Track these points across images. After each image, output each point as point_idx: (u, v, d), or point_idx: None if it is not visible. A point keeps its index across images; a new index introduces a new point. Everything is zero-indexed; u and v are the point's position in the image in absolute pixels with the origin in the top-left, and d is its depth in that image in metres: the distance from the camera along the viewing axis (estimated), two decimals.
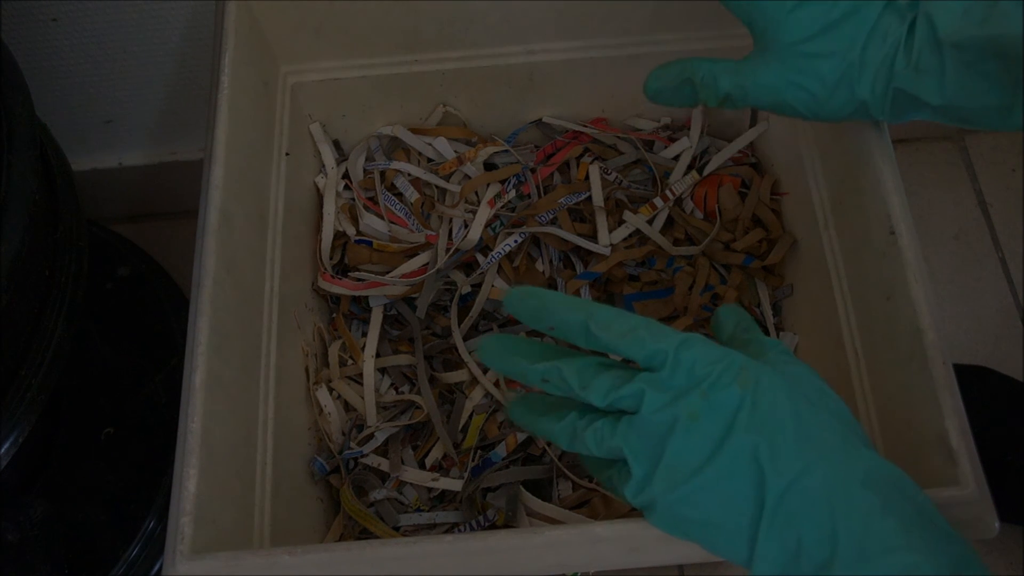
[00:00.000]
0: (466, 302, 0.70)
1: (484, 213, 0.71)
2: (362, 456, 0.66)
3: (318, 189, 0.73)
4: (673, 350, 0.41)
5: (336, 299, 0.72)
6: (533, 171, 0.74)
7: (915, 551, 0.37)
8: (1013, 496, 0.76)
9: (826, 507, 0.38)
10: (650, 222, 0.71)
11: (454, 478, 0.65)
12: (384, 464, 0.66)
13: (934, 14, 0.44)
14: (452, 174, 0.74)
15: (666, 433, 0.41)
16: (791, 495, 0.39)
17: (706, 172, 0.72)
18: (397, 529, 0.64)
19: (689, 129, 0.75)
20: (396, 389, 0.69)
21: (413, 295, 0.70)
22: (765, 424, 0.40)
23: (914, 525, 0.38)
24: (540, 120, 0.76)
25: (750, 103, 0.50)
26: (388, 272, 0.70)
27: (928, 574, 0.36)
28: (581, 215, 0.72)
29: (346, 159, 0.75)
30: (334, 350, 0.69)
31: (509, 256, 0.70)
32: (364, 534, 0.64)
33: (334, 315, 0.72)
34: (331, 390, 0.68)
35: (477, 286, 0.70)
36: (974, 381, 0.83)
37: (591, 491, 0.63)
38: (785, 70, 0.48)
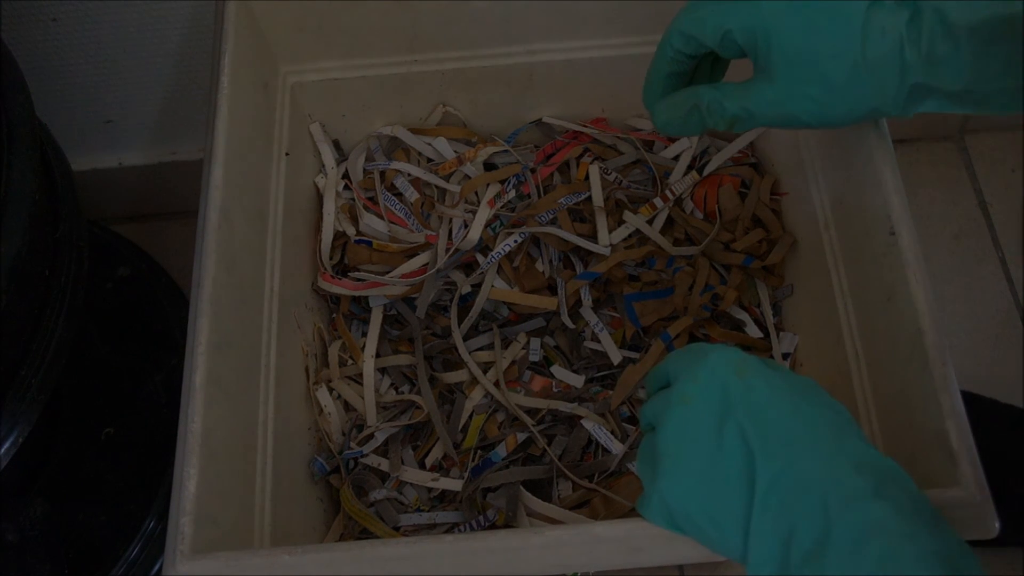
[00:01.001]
0: (466, 302, 0.70)
1: (484, 213, 0.71)
2: (362, 456, 0.66)
3: (318, 189, 0.73)
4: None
5: (336, 299, 0.72)
6: (533, 171, 0.73)
7: (906, 536, 0.37)
8: (1013, 517, 0.76)
9: (818, 492, 0.38)
10: (650, 222, 0.71)
11: (454, 478, 0.65)
12: (384, 464, 0.66)
13: (942, 2, 0.44)
14: (452, 174, 0.74)
15: (662, 416, 0.42)
16: (783, 481, 0.39)
17: (706, 172, 0.72)
18: (397, 529, 0.64)
19: None
20: (396, 389, 0.69)
21: (413, 295, 0.70)
22: (758, 411, 0.40)
23: (907, 511, 0.38)
24: (540, 120, 0.76)
25: (758, 122, 0.50)
26: (388, 272, 0.70)
27: (916, 561, 0.36)
28: (581, 215, 0.72)
29: (346, 159, 0.75)
30: (334, 350, 0.69)
31: (509, 256, 0.70)
32: (364, 534, 0.64)
33: (334, 315, 0.72)
34: (331, 390, 0.68)
35: (477, 286, 0.70)
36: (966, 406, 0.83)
37: (591, 491, 0.63)
38: (788, 81, 0.48)
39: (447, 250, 0.69)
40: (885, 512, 0.37)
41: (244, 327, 0.57)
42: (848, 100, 0.47)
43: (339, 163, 0.74)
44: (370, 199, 0.73)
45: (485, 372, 0.68)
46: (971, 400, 0.84)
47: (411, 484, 0.66)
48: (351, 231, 0.71)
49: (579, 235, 0.69)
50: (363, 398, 0.68)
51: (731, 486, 0.40)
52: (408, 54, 0.71)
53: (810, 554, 0.38)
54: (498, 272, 0.70)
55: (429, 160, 0.75)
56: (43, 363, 0.59)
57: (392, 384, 0.70)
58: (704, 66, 0.54)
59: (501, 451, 0.65)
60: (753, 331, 0.69)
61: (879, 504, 0.37)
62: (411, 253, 0.71)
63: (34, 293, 0.59)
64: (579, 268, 0.71)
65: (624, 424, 0.66)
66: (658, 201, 0.71)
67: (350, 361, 0.69)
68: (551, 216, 0.70)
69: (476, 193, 0.73)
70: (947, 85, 0.45)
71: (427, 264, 0.70)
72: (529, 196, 0.73)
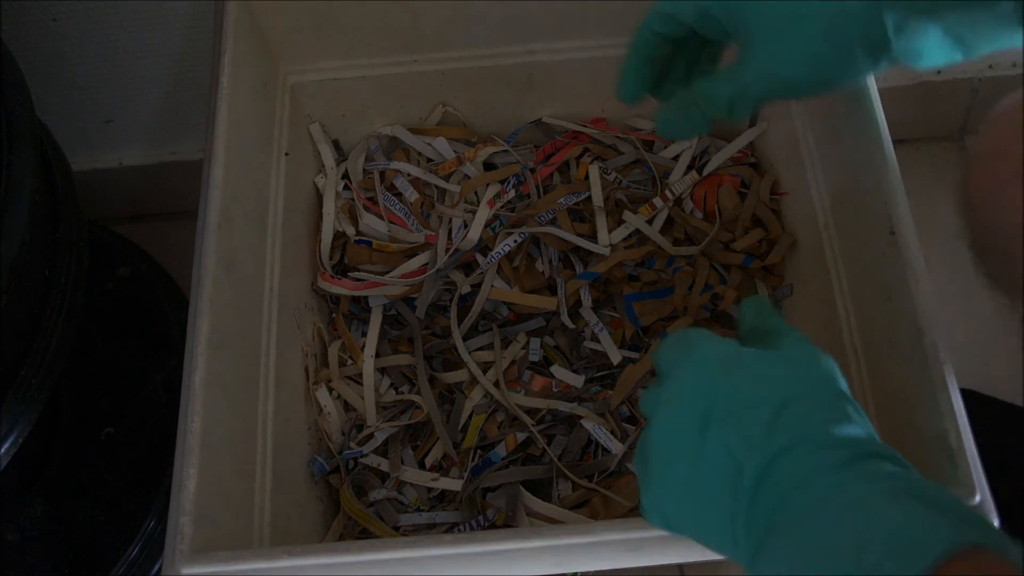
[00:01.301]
0: (466, 302, 0.70)
1: (484, 213, 0.71)
2: (362, 456, 0.66)
3: (318, 189, 0.73)
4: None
5: (336, 299, 0.72)
6: (533, 171, 0.74)
7: (872, 480, 0.36)
8: (1013, 517, 0.76)
9: (795, 480, 0.37)
10: (650, 222, 0.71)
11: (454, 478, 0.65)
12: (384, 464, 0.66)
13: None
14: (452, 174, 0.74)
15: (651, 415, 0.41)
16: (766, 483, 0.38)
17: (706, 172, 0.72)
18: (397, 529, 0.64)
19: None
20: (396, 389, 0.69)
21: (413, 295, 0.70)
22: (742, 414, 0.39)
23: (879, 475, 0.36)
24: (540, 120, 0.76)
25: (754, 95, 0.49)
26: (388, 272, 0.70)
27: (880, 496, 0.35)
28: (581, 215, 0.72)
29: (346, 159, 0.75)
30: (334, 350, 0.69)
31: (509, 256, 0.70)
32: (364, 534, 0.64)
33: (334, 315, 0.72)
34: (331, 390, 0.68)
35: (477, 286, 0.70)
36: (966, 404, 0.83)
37: (591, 491, 0.63)
38: (774, 45, 0.46)
39: (447, 250, 0.69)
40: (854, 476, 0.36)
41: (244, 327, 0.57)
42: (837, 51, 0.46)
43: (339, 163, 0.74)
44: (370, 199, 0.73)
45: (485, 372, 0.68)
46: (971, 398, 0.84)
47: (411, 484, 0.66)
48: (351, 231, 0.71)
49: (579, 235, 0.69)
50: (363, 398, 0.68)
51: (716, 496, 0.39)
52: (408, 54, 0.71)
53: (774, 523, 0.37)
54: (498, 272, 0.70)
55: (429, 160, 0.75)
56: (43, 363, 0.59)
57: (392, 384, 0.70)
58: (680, 64, 0.54)
59: (501, 451, 0.65)
60: None
61: (850, 472, 0.36)
62: (411, 253, 0.71)
63: (34, 293, 0.59)
64: (579, 268, 0.71)
65: (624, 424, 0.66)
66: (658, 201, 0.71)
67: (350, 361, 0.69)
68: (551, 216, 0.70)
69: (476, 193, 0.73)
70: (930, 16, 0.44)
71: (427, 264, 0.70)
72: (529, 196, 0.73)
